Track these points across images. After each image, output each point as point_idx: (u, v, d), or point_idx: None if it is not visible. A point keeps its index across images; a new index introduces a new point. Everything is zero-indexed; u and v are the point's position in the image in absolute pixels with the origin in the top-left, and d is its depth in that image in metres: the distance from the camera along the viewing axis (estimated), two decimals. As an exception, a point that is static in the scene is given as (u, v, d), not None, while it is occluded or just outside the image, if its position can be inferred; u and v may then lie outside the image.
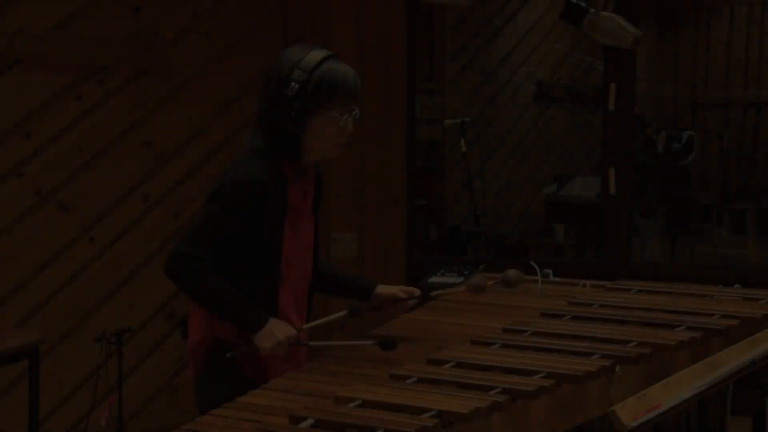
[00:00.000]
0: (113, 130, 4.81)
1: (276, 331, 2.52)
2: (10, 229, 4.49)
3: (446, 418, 1.93)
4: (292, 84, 2.55)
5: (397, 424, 1.88)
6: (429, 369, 2.26)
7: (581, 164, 8.55)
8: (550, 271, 3.42)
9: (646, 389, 1.97)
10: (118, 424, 4.16)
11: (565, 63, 8.40)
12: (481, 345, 2.48)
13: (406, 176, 5.41)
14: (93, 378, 4.44)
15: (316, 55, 2.59)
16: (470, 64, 7.55)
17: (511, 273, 3.05)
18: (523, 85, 8.03)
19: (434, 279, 3.72)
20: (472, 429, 1.97)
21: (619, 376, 2.32)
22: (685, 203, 8.09)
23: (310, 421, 1.93)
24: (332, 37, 5.33)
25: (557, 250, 7.81)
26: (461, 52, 7.43)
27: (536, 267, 3.36)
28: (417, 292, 2.87)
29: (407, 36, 5.39)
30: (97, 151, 4.76)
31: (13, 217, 4.49)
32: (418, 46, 5.73)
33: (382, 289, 2.86)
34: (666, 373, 2.37)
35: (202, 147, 5.14)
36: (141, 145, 4.91)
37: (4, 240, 4.46)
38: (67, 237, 4.67)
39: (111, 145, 4.80)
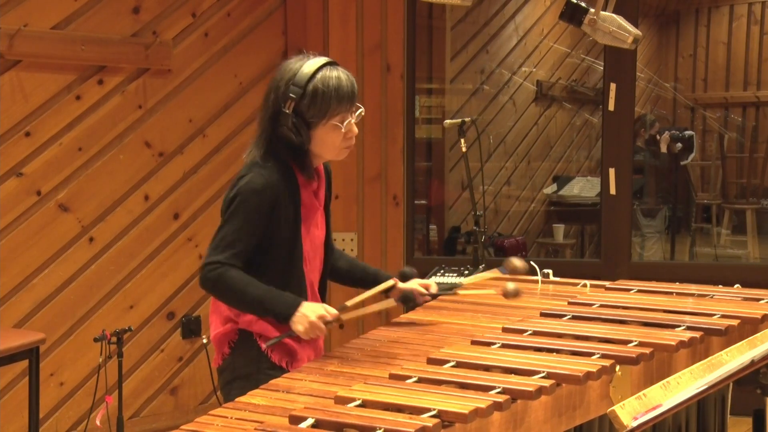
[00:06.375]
0: (113, 130, 4.81)
1: (308, 313, 2.60)
2: (10, 229, 4.49)
3: (446, 418, 1.93)
4: (288, 101, 2.61)
5: (397, 424, 1.88)
6: (429, 369, 2.26)
7: (581, 164, 8.55)
8: (550, 271, 3.42)
9: (646, 389, 1.96)
10: (118, 424, 4.15)
11: (565, 63, 8.39)
12: (481, 345, 2.48)
13: (406, 176, 5.41)
14: (93, 378, 4.45)
15: (310, 67, 2.63)
16: (470, 64, 7.54)
17: (510, 286, 2.92)
18: (523, 85, 8.03)
19: (434, 279, 3.71)
20: (472, 429, 1.97)
21: (619, 376, 2.32)
22: (686, 203, 8.10)
23: (310, 421, 1.93)
24: (332, 37, 5.33)
25: (557, 250, 7.81)
26: (461, 52, 7.42)
27: (536, 267, 3.36)
28: (433, 286, 2.91)
29: (407, 36, 5.39)
30: (97, 151, 4.76)
31: (13, 217, 4.49)
32: (418, 46, 5.73)
33: (402, 284, 2.90)
34: (666, 373, 2.38)
35: (202, 147, 5.14)
36: (141, 145, 4.91)
37: (4, 240, 4.46)
38: (67, 237, 4.66)
39: (111, 145, 4.80)
